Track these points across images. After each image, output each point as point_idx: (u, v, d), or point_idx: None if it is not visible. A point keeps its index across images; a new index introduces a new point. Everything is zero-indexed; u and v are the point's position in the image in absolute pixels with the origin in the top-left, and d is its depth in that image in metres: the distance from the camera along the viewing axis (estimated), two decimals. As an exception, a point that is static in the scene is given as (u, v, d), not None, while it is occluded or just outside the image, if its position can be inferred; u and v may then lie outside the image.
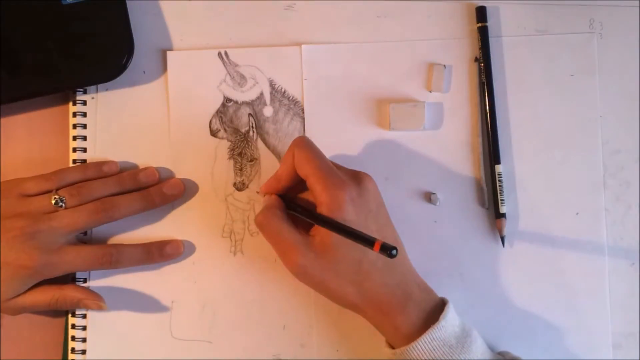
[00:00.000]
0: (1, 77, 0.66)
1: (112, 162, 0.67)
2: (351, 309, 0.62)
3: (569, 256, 0.68)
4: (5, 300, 0.63)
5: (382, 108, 0.69)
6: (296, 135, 0.68)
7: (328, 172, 0.60)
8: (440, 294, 0.63)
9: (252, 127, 0.69)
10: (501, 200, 0.67)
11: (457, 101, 0.69)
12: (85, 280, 0.67)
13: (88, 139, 0.68)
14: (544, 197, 0.68)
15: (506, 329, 0.68)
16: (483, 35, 0.68)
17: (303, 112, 0.69)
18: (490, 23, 0.69)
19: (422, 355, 0.58)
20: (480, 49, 0.68)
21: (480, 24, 0.69)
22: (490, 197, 0.68)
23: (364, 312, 0.61)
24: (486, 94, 0.68)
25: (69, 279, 0.67)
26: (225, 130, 0.69)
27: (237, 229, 0.68)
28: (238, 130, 0.69)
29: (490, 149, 0.68)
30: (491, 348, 0.64)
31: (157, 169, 0.68)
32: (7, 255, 0.61)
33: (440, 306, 0.61)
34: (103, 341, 0.67)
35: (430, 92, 0.69)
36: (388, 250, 0.53)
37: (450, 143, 0.69)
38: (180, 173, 0.69)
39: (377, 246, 0.54)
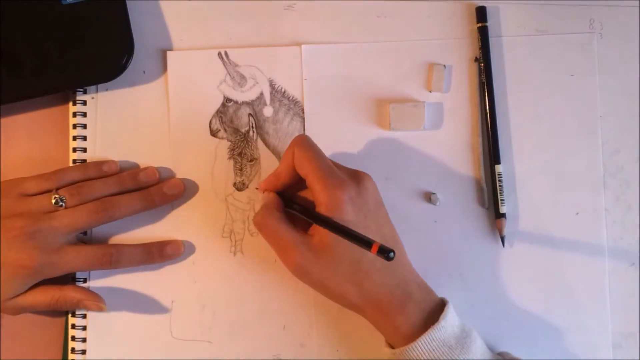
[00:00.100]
0: (1, 77, 0.66)
1: (112, 161, 0.67)
2: (351, 309, 0.62)
3: (569, 256, 0.68)
4: (5, 300, 0.63)
5: (382, 108, 0.69)
6: (296, 134, 0.68)
7: (327, 172, 0.60)
8: (440, 294, 0.63)
9: (252, 127, 0.69)
10: (501, 200, 0.67)
11: (457, 101, 0.69)
12: (85, 280, 0.67)
13: (88, 139, 0.68)
14: (544, 197, 0.68)
15: (506, 329, 0.68)
16: (483, 35, 0.68)
17: (303, 112, 0.69)
18: (490, 23, 0.69)
19: (422, 355, 0.58)
20: (480, 49, 0.68)
21: (480, 24, 0.69)
22: (490, 197, 0.68)
23: (364, 312, 0.61)
24: (486, 94, 0.68)
25: (69, 279, 0.67)
26: (225, 130, 0.69)
27: (237, 229, 0.68)
28: (238, 130, 0.69)
29: (490, 149, 0.68)
30: (491, 348, 0.64)
31: (158, 168, 0.68)
32: (7, 255, 0.61)
33: (440, 306, 0.61)
34: (103, 341, 0.67)
35: (430, 92, 0.69)
36: (386, 252, 0.53)
37: (450, 143, 0.69)
38: (180, 173, 0.69)
39: (374, 248, 0.54)
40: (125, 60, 0.67)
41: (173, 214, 0.68)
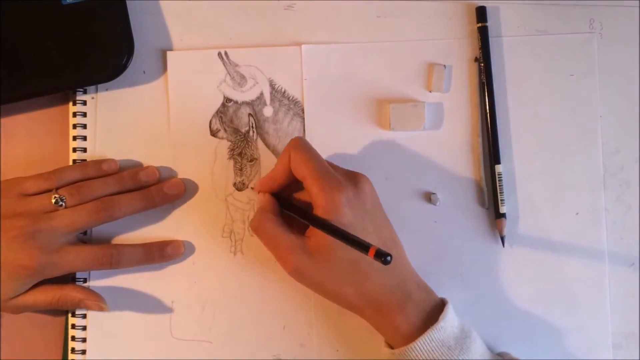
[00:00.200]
0: (1, 77, 0.66)
1: (112, 160, 0.67)
2: (350, 309, 0.62)
3: (569, 256, 0.68)
4: (5, 300, 0.63)
5: (382, 108, 0.69)
6: (296, 135, 0.68)
7: (324, 174, 0.60)
8: (440, 294, 0.63)
9: (252, 127, 0.69)
10: (501, 200, 0.67)
11: (457, 101, 0.69)
12: (85, 281, 0.67)
13: (88, 139, 0.68)
14: (544, 197, 0.68)
15: (506, 329, 0.68)
16: (483, 35, 0.68)
17: (303, 112, 0.69)
18: (490, 23, 0.69)
19: (421, 355, 0.58)
20: (480, 49, 0.68)
21: (480, 24, 0.69)
22: (490, 197, 0.68)
23: (363, 313, 0.61)
24: (486, 94, 0.68)
25: (69, 279, 0.67)
26: (225, 130, 0.69)
27: (237, 229, 0.68)
28: (238, 130, 0.69)
29: (490, 149, 0.68)
30: (491, 348, 0.64)
31: (158, 168, 0.68)
32: (7, 255, 0.61)
33: (439, 306, 0.61)
34: (103, 341, 0.67)
35: (430, 92, 0.69)
36: (383, 256, 0.53)
37: (450, 143, 0.69)
38: (180, 173, 0.68)
39: (371, 252, 0.54)
40: (125, 60, 0.67)
41: (173, 214, 0.68)
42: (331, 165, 0.62)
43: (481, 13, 0.69)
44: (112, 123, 0.69)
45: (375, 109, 0.69)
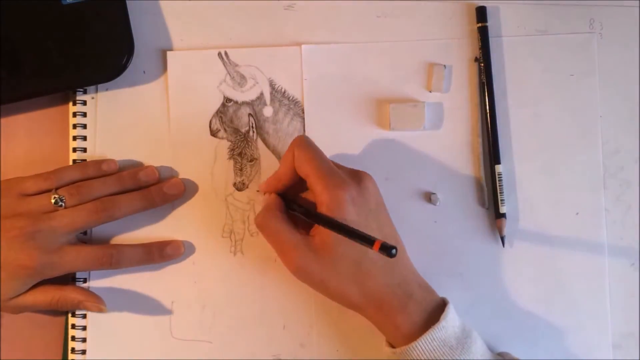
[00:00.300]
0: (1, 77, 0.66)
1: (111, 160, 0.67)
2: (352, 308, 0.62)
3: (569, 256, 0.68)
4: (5, 300, 0.63)
5: (382, 108, 0.69)
6: (296, 135, 0.68)
7: (328, 172, 0.60)
8: (441, 294, 0.63)
9: (252, 127, 0.69)
10: (501, 200, 0.67)
11: (457, 101, 0.69)
12: (85, 281, 0.67)
13: (88, 139, 0.68)
14: (544, 197, 0.68)
15: (506, 329, 0.68)
16: (483, 35, 0.68)
17: (303, 112, 0.69)
18: (490, 23, 0.69)
19: (422, 355, 0.58)
20: (480, 49, 0.68)
21: (480, 24, 0.69)
22: (490, 197, 0.68)
23: (365, 311, 0.61)
24: (486, 94, 0.68)
25: (69, 279, 0.67)
26: (225, 130, 0.69)
27: (237, 229, 0.68)
28: (238, 130, 0.69)
29: (490, 149, 0.68)
30: (491, 348, 0.64)
31: (158, 168, 0.68)
32: (7, 255, 0.61)
33: (441, 306, 0.61)
34: (103, 341, 0.67)
35: (430, 92, 0.69)
36: (388, 249, 0.53)
37: (450, 143, 0.69)
38: (180, 173, 0.69)
39: (377, 245, 0.54)
40: (125, 60, 0.67)
41: (173, 214, 0.68)
42: (335, 164, 0.62)
43: (481, 13, 0.69)
44: (112, 123, 0.69)
45: (375, 109, 0.69)
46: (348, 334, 0.67)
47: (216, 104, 0.69)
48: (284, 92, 0.69)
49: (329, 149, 0.67)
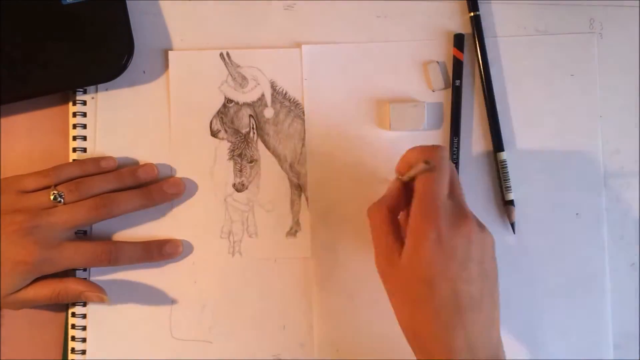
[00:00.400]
0: (1, 77, 0.65)
1: (110, 157, 0.67)
2: (411, 345, 0.57)
3: (569, 256, 0.68)
4: (5, 296, 0.63)
5: (382, 108, 0.69)
6: (296, 136, 0.68)
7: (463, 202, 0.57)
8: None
9: (253, 128, 0.69)
10: (506, 187, 0.67)
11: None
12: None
13: (88, 139, 0.68)
14: (544, 197, 0.68)
15: (506, 329, 0.68)
16: (477, 24, 0.68)
17: (304, 114, 0.68)
18: (490, 23, 0.69)
19: None
20: (475, 36, 0.68)
21: (472, 13, 0.68)
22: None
23: (410, 343, 0.57)
24: (484, 82, 0.68)
25: (70, 277, 0.67)
26: (225, 131, 0.69)
27: (236, 230, 0.68)
28: (238, 131, 0.69)
29: (492, 137, 0.68)
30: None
31: (157, 166, 0.68)
32: (6, 250, 0.61)
33: None
34: (103, 341, 0.67)
35: (433, 91, 0.69)
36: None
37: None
38: (180, 173, 0.68)
39: None
40: (125, 60, 0.67)
41: (172, 213, 0.68)
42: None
43: (473, 2, 0.69)
44: (112, 123, 0.69)
45: (375, 109, 0.69)
46: (348, 334, 0.67)
47: (217, 104, 0.69)
48: (285, 93, 0.69)
49: (329, 149, 0.67)
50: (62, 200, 0.63)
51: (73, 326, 0.67)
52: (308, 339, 0.68)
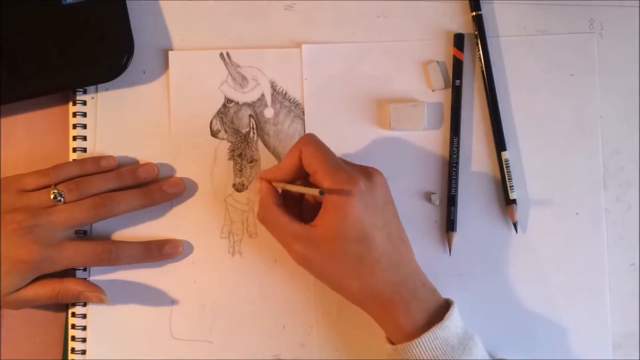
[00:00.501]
0: (1, 77, 0.65)
1: (110, 156, 0.67)
2: (353, 303, 0.62)
3: (569, 256, 0.68)
4: (5, 295, 0.63)
5: (382, 108, 0.69)
6: (297, 137, 0.68)
7: (337, 168, 0.60)
8: (441, 293, 0.63)
9: (253, 128, 0.69)
10: (510, 186, 0.67)
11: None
12: (85, 280, 0.67)
13: (88, 139, 0.68)
14: (544, 197, 0.68)
15: (506, 329, 0.68)
16: (479, 23, 0.68)
17: (304, 115, 0.68)
18: (490, 23, 0.69)
19: (423, 353, 0.58)
20: (476, 35, 0.68)
21: (474, 13, 0.68)
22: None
23: (366, 307, 0.61)
24: (486, 82, 0.68)
25: (70, 276, 0.67)
26: (225, 131, 0.69)
27: (236, 230, 0.68)
28: (238, 131, 0.69)
29: (494, 136, 0.68)
30: (490, 348, 0.64)
31: (157, 165, 0.68)
32: (6, 249, 0.61)
33: (444, 307, 0.61)
34: (103, 341, 0.67)
35: (433, 91, 0.69)
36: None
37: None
38: (180, 173, 0.68)
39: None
40: (125, 60, 0.67)
41: (172, 213, 0.68)
42: (344, 161, 0.62)
43: (475, 2, 0.69)
44: (112, 123, 0.69)
45: (375, 109, 0.69)
46: (348, 334, 0.67)
47: (217, 104, 0.69)
48: (285, 93, 0.69)
49: (330, 149, 0.67)
50: (62, 199, 0.63)
51: (73, 326, 0.67)
52: (308, 339, 0.68)
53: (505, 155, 0.68)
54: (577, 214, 0.68)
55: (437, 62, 0.69)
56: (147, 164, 0.68)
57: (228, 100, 0.69)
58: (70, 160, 0.68)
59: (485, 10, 0.69)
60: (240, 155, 0.69)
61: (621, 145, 0.69)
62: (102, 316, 0.67)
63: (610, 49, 0.69)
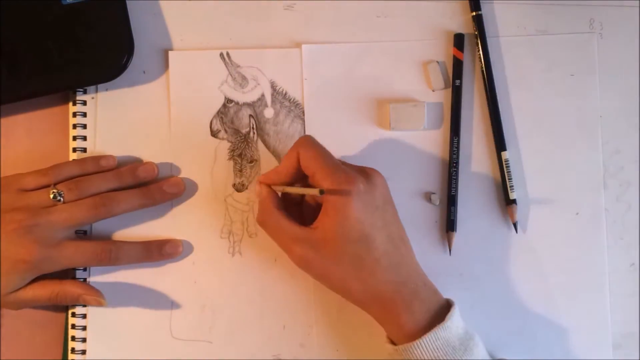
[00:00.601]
0: (1, 77, 0.65)
1: (110, 156, 0.67)
2: (355, 304, 0.62)
3: (569, 256, 0.68)
4: (4, 295, 0.63)
5: (382, 108, 0.69)
6: (297, 137, 0.68)
7: (335, 169, 0.60)
8: (441, 294, 0.63)
9: (253, 128, 0.69)
10: (510, 186, 0.67)
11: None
12: (84, 280, 0.67)
13: (88, 139, 0.68)
14: (544, 197, 0.68)
15: (506, 329, 0.68)
16: (479, 23, 0.68)
17: (304, 115, 0.68)
18: (490, 23, 0.69)
19: (425, 354, 0.58)
20: (476, 35, 0.68)
21: (474, 13, 0.68)
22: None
23: (367, 308, 0.61)
24: (486, 82, 0.68)
25: (70, 276, 0.67)
26: (225, 131, 0.69)
27: (236, 230, 0.68)
28: (238, 131, 0.69)
29: (494, 136, 0.68)
30: (491, 349, 0.64)
31: (157, 165, 0.68)
32: (6, 249, 0.61)
33: (445, 307, 0.61)
34: (103, 341, 0.67)
35: (433, 91, 0.69)
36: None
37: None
38: (180, 173, 0.68)
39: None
40: (125, 60, 0.67)
41: (172, 213, 0.68)
42: (343, 162, 0.62)
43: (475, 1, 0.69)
44: (112, 123, 0.69)
45: (375, 109, 0.69)
46: (348, 334, 0.67)
47: (217, 104, 0.69)
48: (285, 94, 0.69)
49: (330, 149, 0.66)
50: (61, 199, 0.63)
51: (73, 326, 0.67)
52: (308, 339, 0.68)
53: (505, 155, 0.68)
54: (577, 214, 0.68)
55: (437, 62, 0.69)
56: (147, 163, 0.68)
57: (228, 100, 0.69)
58: (70, 160, 0.68)
59: (485, 10, 0.69)
60: (240, 155, 0.69)
61: (621, 145, 0.69)
62: (102, 316, 0.67)
63: (610, 49, 0.69)
